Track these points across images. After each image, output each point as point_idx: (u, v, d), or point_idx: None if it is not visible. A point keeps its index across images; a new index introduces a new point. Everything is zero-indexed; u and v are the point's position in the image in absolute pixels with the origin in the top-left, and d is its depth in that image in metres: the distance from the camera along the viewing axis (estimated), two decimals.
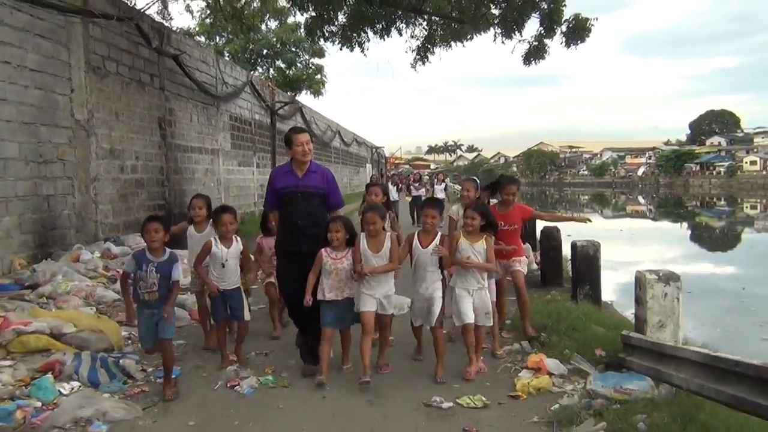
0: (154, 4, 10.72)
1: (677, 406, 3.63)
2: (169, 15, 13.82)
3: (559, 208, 44.94)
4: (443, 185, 21.05)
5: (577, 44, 12.41)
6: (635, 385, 4.27)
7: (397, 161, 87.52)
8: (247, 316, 5.32)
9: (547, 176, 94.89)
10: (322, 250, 4.87)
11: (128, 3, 11.43)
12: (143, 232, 4.53)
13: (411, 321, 5.29)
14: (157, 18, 13.66)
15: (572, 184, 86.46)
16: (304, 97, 30.02)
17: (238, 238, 5.28)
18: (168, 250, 4.58)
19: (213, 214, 5.41)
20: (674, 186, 70.13)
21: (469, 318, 4.92)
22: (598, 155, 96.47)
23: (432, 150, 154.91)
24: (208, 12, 16.65)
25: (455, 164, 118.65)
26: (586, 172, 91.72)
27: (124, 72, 11.08)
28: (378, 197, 5.99)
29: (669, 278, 4.41)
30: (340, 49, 13.18)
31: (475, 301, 4.99)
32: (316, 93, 29.27)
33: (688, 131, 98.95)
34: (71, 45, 9.49)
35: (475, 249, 4.99)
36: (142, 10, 10.56)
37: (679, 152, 77.28)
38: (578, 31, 12.27)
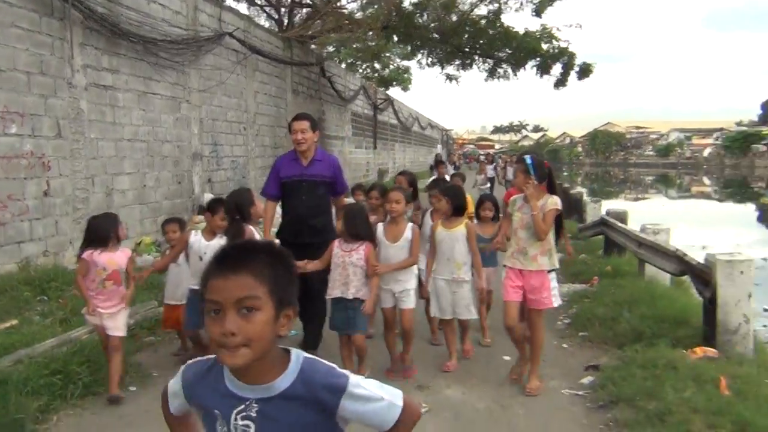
0: (328, 56, 17.25)
1: None
2: (324, 51, 20.45)
3: (624, 188, 43.39)
4: (493, 165, 21.97)
5: (586, 78, 19.97)
6: None
7: (463, 142, 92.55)
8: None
9: (611, 157, 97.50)
10: (335, 241, 4.50)
11: (312, 50, 18.34)
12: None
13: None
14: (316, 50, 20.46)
15: (636, 165, 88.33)
16: (394, 91, 36.66)
17: (224, 237, 4.64)
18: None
19: (210, 203, 4.88)
20: (740, 167, 70.22)
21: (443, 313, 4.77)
22: (665, 136, 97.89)
23: (497, 130, 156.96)
24: (355, 55, 23.42)
25: (520, 144, 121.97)
26: (651, 153, 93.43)
27: (304, 90, 17.84)
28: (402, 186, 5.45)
29: None
30: (446, 81, 20.60)
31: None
32: (405, 89, 35.98)
33: (760, 111, 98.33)
34: (285, 79, 16.30)
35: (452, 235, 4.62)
36: (324, 57, 17.29)
37: (745, 133, 77.89)
38: (585, 71, 20.01)
